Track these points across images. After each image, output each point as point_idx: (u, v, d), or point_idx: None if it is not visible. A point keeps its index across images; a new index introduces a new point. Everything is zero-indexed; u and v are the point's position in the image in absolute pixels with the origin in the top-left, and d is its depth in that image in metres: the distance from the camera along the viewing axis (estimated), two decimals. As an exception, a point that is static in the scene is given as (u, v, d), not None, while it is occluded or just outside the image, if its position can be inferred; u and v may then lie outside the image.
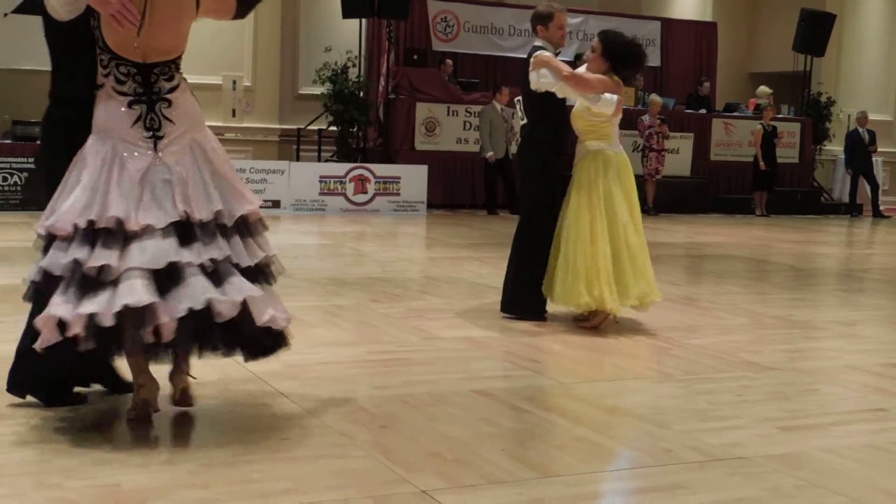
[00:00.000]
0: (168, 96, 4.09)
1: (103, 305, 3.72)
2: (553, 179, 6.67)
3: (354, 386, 4.85)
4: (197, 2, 4.16)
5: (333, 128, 16.93)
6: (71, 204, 3.89)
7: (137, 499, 3.27)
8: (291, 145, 17.54)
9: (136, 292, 3.73)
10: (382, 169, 15.67)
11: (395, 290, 7.88)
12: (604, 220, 6.36)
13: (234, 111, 17.54)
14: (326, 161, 16.72)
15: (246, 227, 4.13)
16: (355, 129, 17.05)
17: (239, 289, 3.91)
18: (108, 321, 3.70)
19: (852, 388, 5.20)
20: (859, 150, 19.20)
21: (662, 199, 17.05)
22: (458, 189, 16.80)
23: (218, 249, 3.95)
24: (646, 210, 16.87)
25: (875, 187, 19.42)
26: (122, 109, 4.04)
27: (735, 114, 19.48)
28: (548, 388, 4.96)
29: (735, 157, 18.87)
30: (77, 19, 4.05)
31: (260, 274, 4.12)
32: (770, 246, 12.96)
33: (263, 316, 3.98)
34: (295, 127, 17.45)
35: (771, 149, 17.74)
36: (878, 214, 19.16)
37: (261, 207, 4.24)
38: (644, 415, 4.49)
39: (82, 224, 3.84)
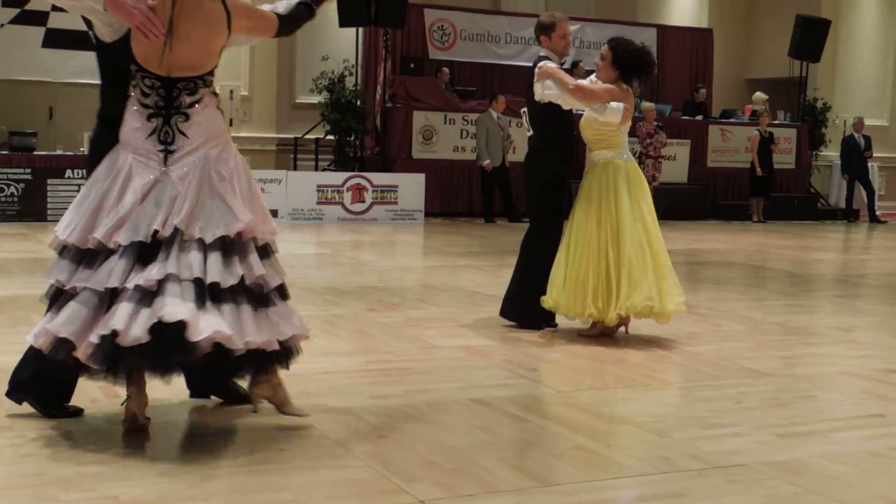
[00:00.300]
0: (187, 110, 4.08)
1: (57, 324, 3.87)
2: (560, 190, 6.65)
3: (352, 396, 4.85)
4: (228, 20, 4.13)
5: (331, 137, 16.94)
6: (69, 220, 3.98)
7: (136, 511, 3.27)
8: (289, 154, 17.55)
9: (62, 317, 3.87)
10: (380, 178, 15.68)
11: (393, 299, 7.88)
12: (608, 234, 6.29)
13: (231, 121, 17.49)
14: (324, 170, 16.72)
15: (232, 246, 3.98)
16: (352, 138, 17.05)
17: (155, 312, 3.79)
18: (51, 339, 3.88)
19: (850, 395, 5.21)
20: (855, 155, 19.22)
21: (659, 205, 16.85)
22: (456, 197, 16.81)
23: (179, 267, 3.86)
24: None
25: (871, 192, 19.44)
26: (142, 122, 4.08)
27: (732, 120, 19.51)
28: (546, 397, 4.97)
29: (732, 163, 18.89)
30: (120, 40, 4.11)
31: (243, 293, 3.97)
32: (767, 252, 12.98)
33: (199, 335, 3.77)
34: (292, 136, 17.45)
35: (768, 155, 17.75)
36: (874, 220, 19.18)
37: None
38: (642, 423, 4.50)
39: (72, 241, 3.95)
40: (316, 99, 16.98)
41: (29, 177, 13.62)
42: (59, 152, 14.89)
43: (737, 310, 7.83)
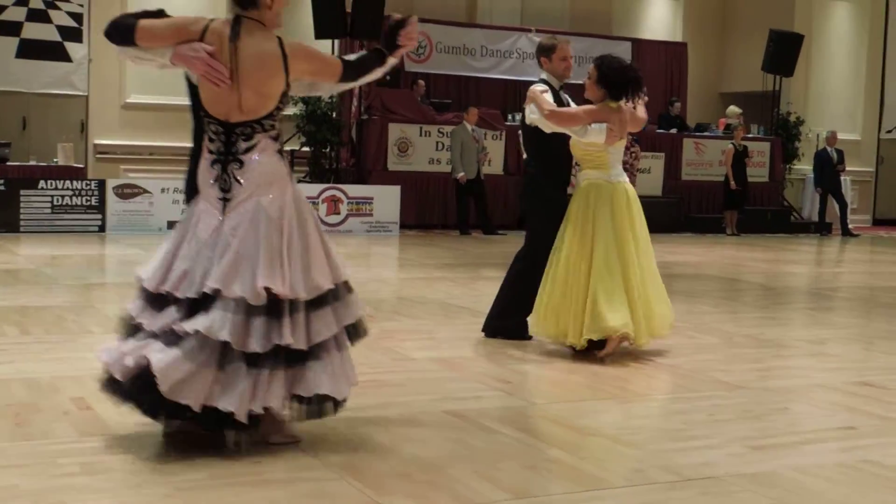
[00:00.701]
0: (242, 156, 4.06)
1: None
2: (555, 212, 6.45)
3: (326, 408, 4.83)
4: (286, 63, 4.09)
5: (306, 148, 16.93)
6: (148, 265, 4.12)
7: (107, 524, 3.25)
8: (264, 166, 17.50)
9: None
10: (355, 190, 15.67)
11: (368, 311, 7.85)
12: (582, 258, 6.18)
13: (206, 132, 17.48)
14: (299, 182, 16.63)
15: (256, 308, 3.92)
16: (328, 150, 17.05)
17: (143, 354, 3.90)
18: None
19: (822, 407, 5.24)
20: (828, 169, 19.36)
21: (634, 218, 17.11)
22: (431, 209, 16.83)
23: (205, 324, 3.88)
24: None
25: (844, 206, 19.58)
26: (208, 168, 4.13)
27: (706, 133, 19.62)
28: (520, 409, 4.97)
29: (706, 176, 19.00)
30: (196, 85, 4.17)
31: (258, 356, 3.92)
32: (741, 265, 13.04)
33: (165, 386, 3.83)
34: (267, 147, 17.41)
35: (742, 168, 17.87)
36: (846, 233, 19.31)
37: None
38: (616, 435, 4.51)
39: (148, 288, 4.06)
40: (291, 110, 16.95)
41: (2, 187, 13.54)
42: (32, 163, 14.83)
43: (710, 322, 7.86)
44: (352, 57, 4.40)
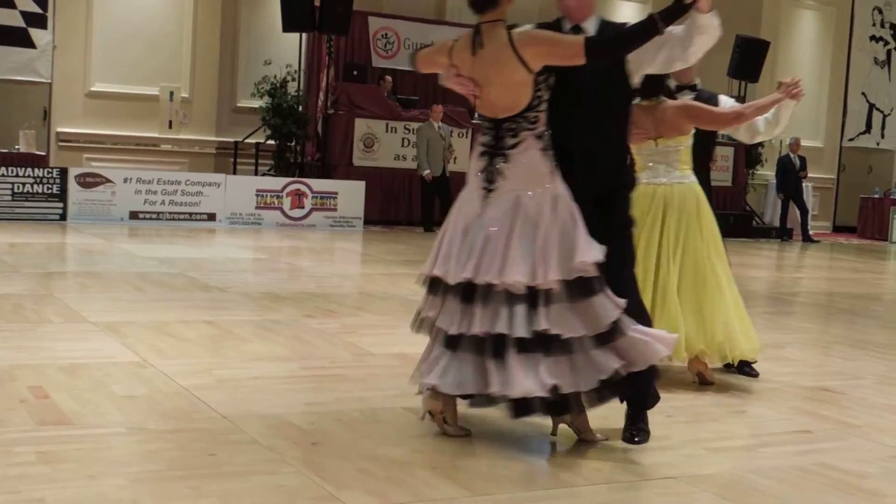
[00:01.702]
0: (508, 151, 4.21)
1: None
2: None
3: (286, 402, 4.82)
4: (518, 55, 4.14)
5: (271, 142, 16.85)
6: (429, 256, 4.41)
7: (62, 514, 3.22)
8: (228, 158, 17.43)
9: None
10: (319, 184, 15.62)
11: (330, 306, 7.85)
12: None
13: (170, 122, 17.38)
14: (263, 175, 16.63)
15: (536, 296, 4.07)
16: (293, 144, 16.98)
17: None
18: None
19: (780, 410, 5.28)
20: (790, 175, 19.52)
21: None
22: (396, 206, 16.80)
23: (483, 322, 4.11)
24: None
25: (805, 212, 19.75)
26: (476, 158, 4.33)
27: (672, 135, 19.71)
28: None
29: (672, 178, 19.09)
30: None
31: (538, 344, 4.06)
32: (702, 268, 13.10)
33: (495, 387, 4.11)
34: (232, 140, 17.34)
35: (706, 169, 17.95)
36: (807, 239, 19.48)
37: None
38: (575, 434, 4.51)
39: (425, 272, 4.37)
40: (257, 103, 16.89)
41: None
42: (-7, 149, 14.69)
43: (671, 324, 7.87)
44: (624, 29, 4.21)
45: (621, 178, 4.42)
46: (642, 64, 4.27)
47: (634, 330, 4.13)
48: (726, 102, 6.04)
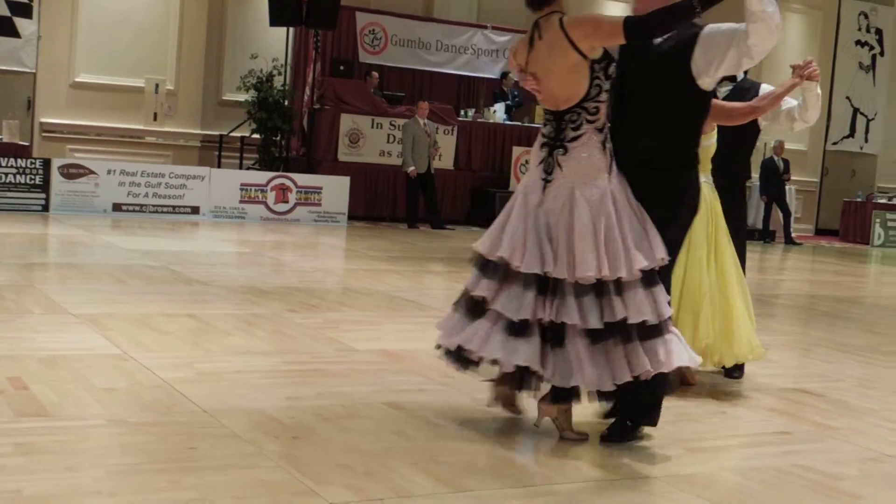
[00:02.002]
0: (568, 144, 4.24)
1: (468, 339, 4.35)
2: None
3: (267, 396, 4.82)
4: (569, 38, 4.17)
5: (256, 136, 16.81)
6: (484, 236, 4.41)
7: (39, 505, 3.21)
8: (213, 151, 17.38)
9: (491, 344, 4.28)
10: (304, 179, 15.60)
11: (313, 301, 7.84)
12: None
13: (155, 115, 17.33)
14: (248, 169, 16.59)
15: (602, 288, 4.13)
16: (278, 138, 16.95)
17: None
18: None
19: (759, 412, 5.30)
20: (774, 177, 19.58)
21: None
22: (380, 202, 16.79)
23: (550, 311, 4.17)
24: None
25: (787, 215, 19.81)
26: (538, 149, 4.37)
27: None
28: (461, 404, 4.97)
29: (654, 180, 19.12)
30: None
31: (611, 331, 4.13)
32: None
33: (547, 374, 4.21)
34: (217, 133, 17.30)
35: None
36: (790, 241, 19.56)
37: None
38: (555, 432, 4.52)
39: (480, 251, 4.39)
40: (243, 97, 16.84)
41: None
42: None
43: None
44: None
45: (672, 187, 4.36)
46: (711, 64, 4.21)
47: (672, 332, 4.21)
48: (767, 89, 5.91)
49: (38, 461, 3.63)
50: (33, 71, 16.28)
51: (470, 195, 17.52)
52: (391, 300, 8.19)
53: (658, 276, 4.17)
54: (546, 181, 4.27)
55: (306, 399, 4.81)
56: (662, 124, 4.32)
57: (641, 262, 4.13)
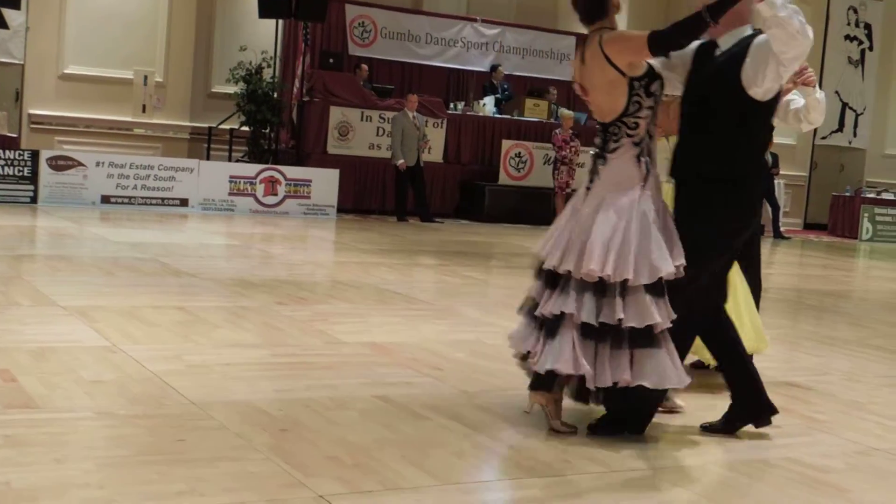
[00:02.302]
0: (607, 155, 4.40)
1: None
2: None
3: (256, 388, 4.82)
4: (605, 54, 4.31)
5: (245, 128, 16.78)
6: (541, 243, 4.55)
7: (28, 498, 3.20)
8: (202, 144, 17.35)
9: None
10: (293, 171, 15.58)
11: (302, 294, 7.84)
12: None
13: (144, 107, 17.29)
14: (237, 161, 16.56)
15: (604, 287, 4.23)
16: (268, 131, 16.92)
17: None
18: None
19: (747, 405, 5.30)
20: (762, 172, 19.54)
21: (571, 212, 17.23)
22: (369, 194, 16.78)
23: (557, 303, 4.31)
24: (554, 223, 17.08)
25: (776, 209, 19.85)
26: (589, 158, 4.57)
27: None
28: (450, 397, 4.98)
29: (643, 173, 19.13)
30: None
31: (602, 332, 4.22)
32: (674, 262, 13.16)
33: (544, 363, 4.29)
34: (206, 125, 17.26)
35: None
36: (778, 235, 19.59)
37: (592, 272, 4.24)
38: (544, 425, 4.53)
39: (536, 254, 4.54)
40: (232, 89, 16.81)
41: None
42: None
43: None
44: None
45: (727, 199, 4.40)
46: (758, 74, 4.23)
47: (666, 349, 4.26)
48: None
49: (27, 453, 3.63)
50: (21, 62, 16.23)
51: (459, 188, 17.52)
52: (380, 293, 8.19)
53: (666, 288, 4.21)
54: (588, 188, 4.45)
55: (295, 391, 4.81)
56: (720, 137, 4.38)
57: (651, 269, 4.19)
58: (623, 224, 4.25)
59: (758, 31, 4.36)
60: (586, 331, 4.21)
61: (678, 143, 4.47)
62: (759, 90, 4.28)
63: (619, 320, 4.15)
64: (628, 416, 4.45)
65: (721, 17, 4.10)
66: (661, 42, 4.20)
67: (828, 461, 4.32)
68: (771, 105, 4.43)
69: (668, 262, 4.21)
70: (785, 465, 4.20)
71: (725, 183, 4.41)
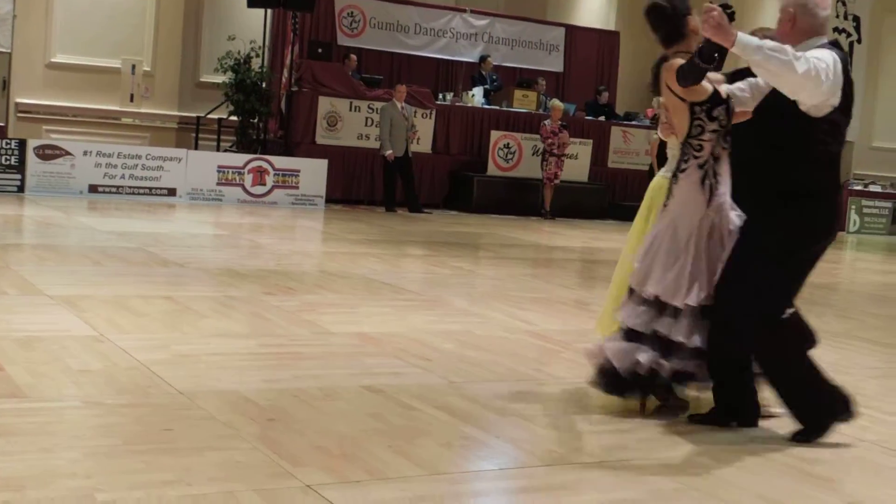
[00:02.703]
0: (678, 174, 4.63)
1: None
2: None
3: (243, 378, 4.82)
4: (666, 84, 4.57)
5: (234, 118, 16.75)
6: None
7: (15, 487, 3.20)
8: (190, 133, 17.31)
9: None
10: (282, 161, 15.55)
11: (290, 284, 7.83)
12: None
13: (132, 96, 17.24)
14: (225, 151, 16.53)
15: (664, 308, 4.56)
16: (256, 120, 16.89)
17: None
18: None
19: (734, 396, 5.31)
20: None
21: (560, 203, 17.26)
22: (358, 185, 16.76)
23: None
24: (543, 214, 17.10)
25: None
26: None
27: (633, 122, 19.79)
28: (437, 387, 4.98)
29: (632, 164, 19.18)
30: None
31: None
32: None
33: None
34: (194, 115, 17.22)
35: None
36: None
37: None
38: (531, 416, 4.54)
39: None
40: (220, 78, 16.76)
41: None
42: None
43: (629, 309, 7.92)
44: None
45: (796, 215, 4.42)
46: (794, 92, 4.26)
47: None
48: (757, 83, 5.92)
49: (13, 442, 3.62)
50: (8, 51, 16.15)
51: (448, 179, 17.51)
52: (368, 283, 8.19)
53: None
54: (665, 205, 4.69)
55: (283, 381, 4.80)
56: (789, 152, 4.40)
57: (698, 296, 4.47)
58: (685, 252, 4.53)
59: (829, 43, 4.39)
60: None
61: (753, 158, 4.46)
62: (804, 107, 4.30)
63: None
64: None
65: (709, 59, 4.27)
66: (678, 78, 4.45)
67: (815, 452, 4.33)
68: (835, 119, 4.38)
69: (679, 297, 4.50)
70: (772, 456, 4.21)
71: (797, 198, 4.41)
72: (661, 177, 5.42)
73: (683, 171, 4.58)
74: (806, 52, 4.25)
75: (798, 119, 4.33)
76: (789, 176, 4.41)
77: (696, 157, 4.54)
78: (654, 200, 5.40)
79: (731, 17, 4.18)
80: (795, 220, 4.44)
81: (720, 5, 4.23)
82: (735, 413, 4.65)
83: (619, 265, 5.52)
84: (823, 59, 4.21)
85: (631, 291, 4.71)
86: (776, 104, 4.40)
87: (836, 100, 4.31)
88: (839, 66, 4.27)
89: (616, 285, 5.34)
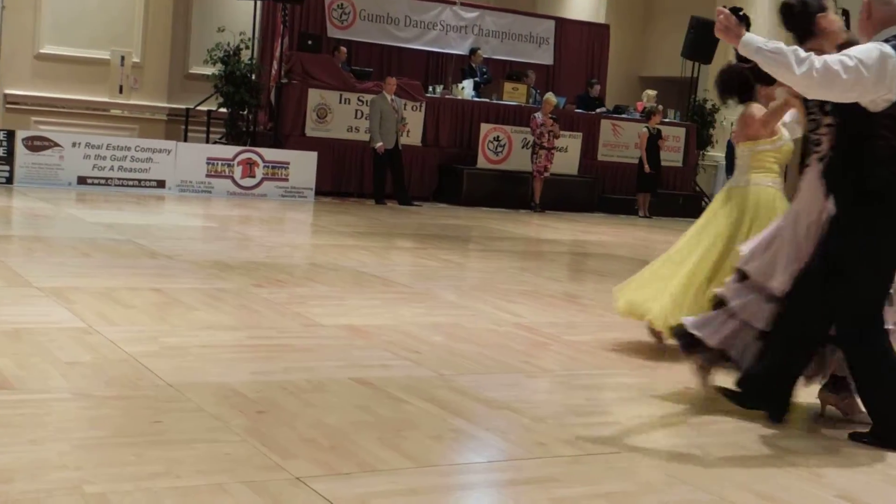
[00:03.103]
0: (805, 169, 4.69)
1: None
2: None
3: (232, 370, 4.81)
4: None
5: (223, 109, 16.70)
6: None
7: (3, 479, 3.19)
8: (179, 125, 17.26)
9: None
10: (271, 153, 15.51)
11: (279, 276, 7.83)
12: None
13: (121, 87, 17.18)
14: (215, 143, 16.48)
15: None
16: (245, 112, 16.84)
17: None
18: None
19: (722, 389, 5.33)
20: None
21: (549, 196, 17.26)
22: (347, 177, 16.73)
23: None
24: (532, 207, 17.11)
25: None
26: None
27: (623, 116, 19.79)
28: (427, 379, 4.99)
29: (622, 158, 19.18)
30: None
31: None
32: (651, 247, 13.20)
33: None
34: (184, 107, 17.17)
35: (655, 152, 18.03)
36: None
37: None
38: (520, 408, 4.55)
39: None
40: (210, 70, 16.71)
41: None
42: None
43: (618, 302, 7.93)
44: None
45: (870, 216, 4.34)
46: (840, 93, 4.25)
47: None
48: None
49: (2, 434, 3.61)
50: (-3, 42, 16.09)
51: (438, 172, 17.50)
52: (357, 276, 8.19)
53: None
54: (790, 199, 4.88)
55: (272, 374, 4.80)
56: (857, 150, 4.35)
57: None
58: (804, 247, 4.59)
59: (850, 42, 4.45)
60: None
61: (833, 157, 4.44)
62: (864, 102, 4.26)
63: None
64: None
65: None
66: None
67: (803, 445, 4.35)
68: (892, 114, 4.30)
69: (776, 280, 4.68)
70: (760, 449, 4.23)
71: (869, 195, 4.33)
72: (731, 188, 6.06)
73: (808, 165, 4.66)
74: (856, 47, 4.23)
75: (857, 116, 4.28)
76: (855, 174, 4.34)
77: (815, 152, 4.62)
78: (719, 209, 6.20)
79: (742, 19, 4.27)
80: (871, 220, 4.32)
81: (730, 9, 4.30)
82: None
83: (670, 262, 5.83)
84: (857, 55, 4.14)
85: (742, 275, 4.86)
86: (844, 104, 4.33)
87: (892, 95, 4.22)
88: (891, 60, 4.18)
89: (680, 284, 6.01)
